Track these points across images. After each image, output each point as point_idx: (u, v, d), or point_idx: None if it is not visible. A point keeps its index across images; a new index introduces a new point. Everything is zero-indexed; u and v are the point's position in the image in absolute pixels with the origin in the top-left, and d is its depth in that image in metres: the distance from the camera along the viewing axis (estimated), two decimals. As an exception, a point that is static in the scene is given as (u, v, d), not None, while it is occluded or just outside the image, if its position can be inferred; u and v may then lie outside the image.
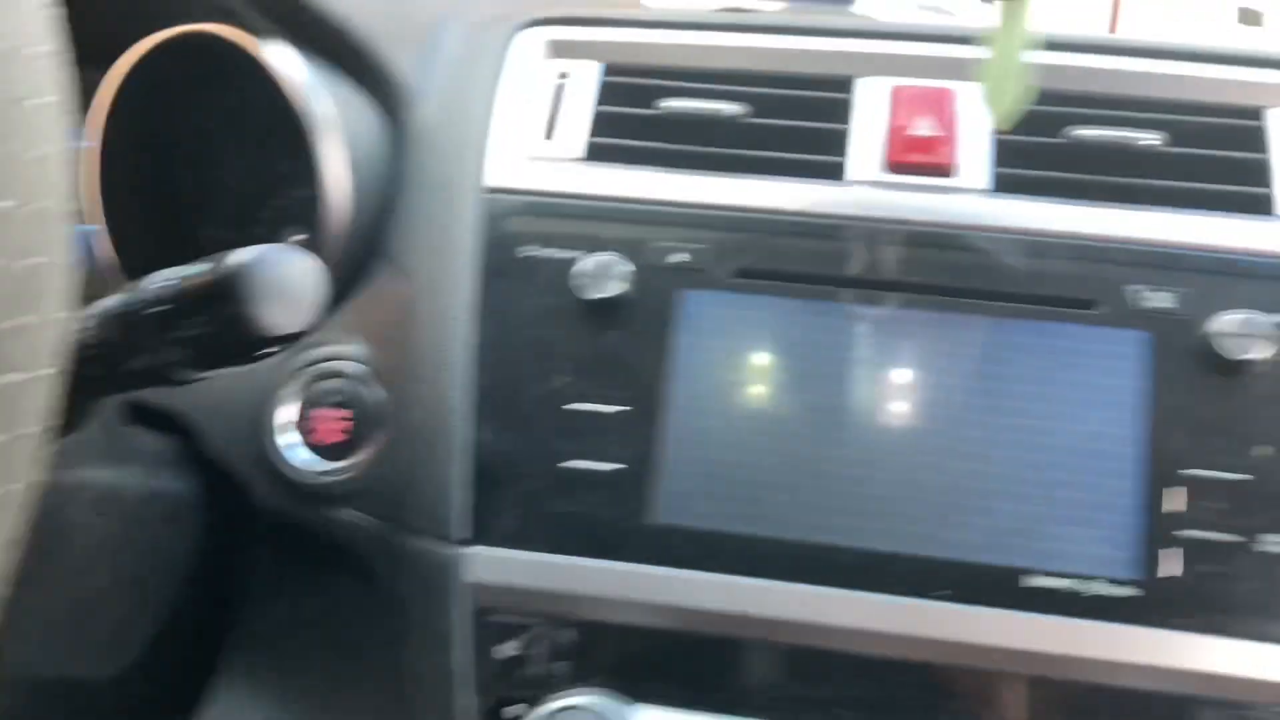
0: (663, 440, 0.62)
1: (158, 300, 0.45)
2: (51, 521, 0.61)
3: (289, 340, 0.45)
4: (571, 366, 0.64)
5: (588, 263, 0.64)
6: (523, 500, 0.63)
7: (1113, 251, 0.63)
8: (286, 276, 0.44)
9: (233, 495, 0.70)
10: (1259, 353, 0.59)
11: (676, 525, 0.61)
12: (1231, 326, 0.60)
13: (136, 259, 0.72)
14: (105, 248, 0.72)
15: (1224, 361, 0.60)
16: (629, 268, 0.64)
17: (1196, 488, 0.59)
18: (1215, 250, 0.63)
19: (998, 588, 0.59)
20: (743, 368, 0.63)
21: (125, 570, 0.66)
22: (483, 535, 0.63)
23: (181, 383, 0.49)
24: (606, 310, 0.64)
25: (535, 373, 0.64)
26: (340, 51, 0.69)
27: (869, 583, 0.60)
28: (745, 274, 0.64)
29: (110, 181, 0.71)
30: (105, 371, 0.47)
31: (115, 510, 0.64)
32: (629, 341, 0.64)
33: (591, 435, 0.63)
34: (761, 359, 0.63)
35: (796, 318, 0.63)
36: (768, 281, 0.64)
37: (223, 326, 0.44)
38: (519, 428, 0.64)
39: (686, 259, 0.64)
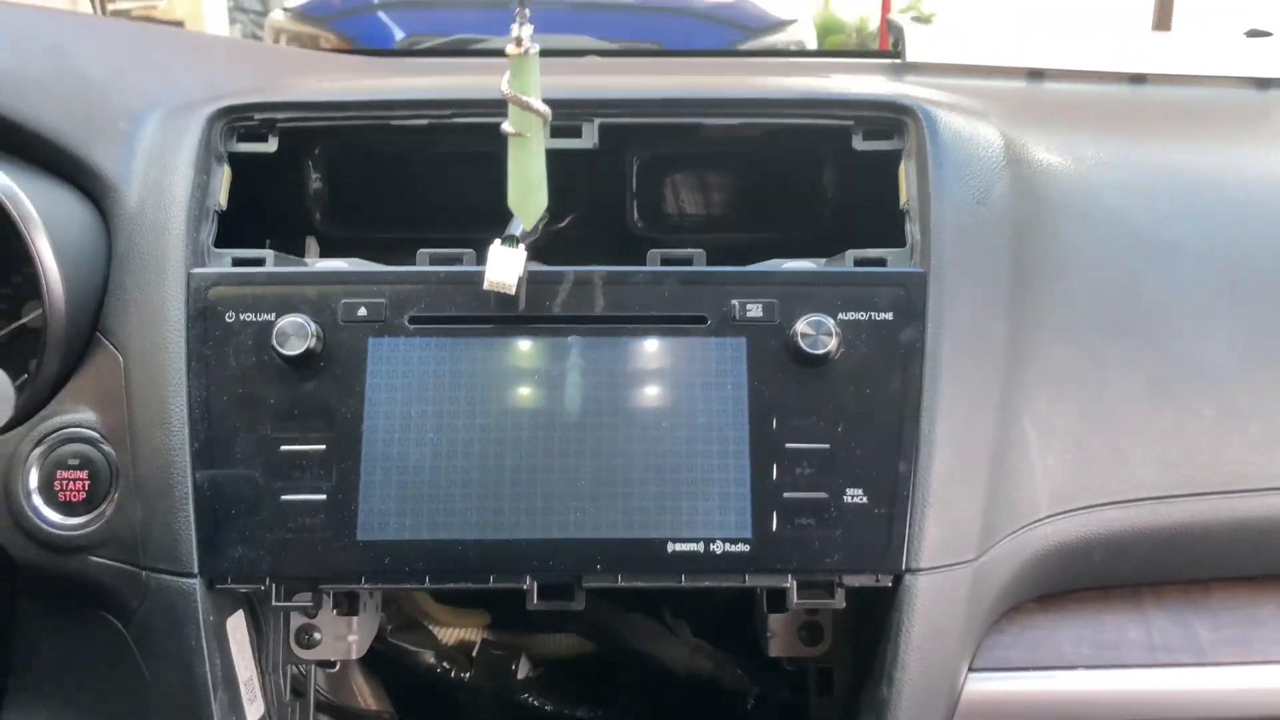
0: (361, 469, 0.74)
1: None
2: None
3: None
4: (279, 413, 0.75)
5: (284, 323, 0.75)
6: (245, 532, 0.73)
7: (716, 276, 0.77)
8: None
9: None
10: (827, 347, 0.75)
11: (378, 539, 0.73)
12: (807, 328, 0.75)
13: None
14: None
15: (804, 355, 0.75)
16: (317, 325, 0.75)
17: (791, 458, 0.74)
18: (794, 271, 0.78)
19: (646, 556, 0.73)
20: (425, 398, 0.75)
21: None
22: (210, 567, 0.73)
23: None
24: (305, 362, 0.75)
25: (248, 421, 0.75)
26: (41, 153, 0.77)
27: (542, 565, 0.73)
28: (418, 320, 0.76)
29: None
30: None
31: None
32: (327, 386, 0.75)
33: (302, 471, 0.74)
34: (440, 389, 0.75)
35: (465, 352, 0.76)
36: (439, 324, 0.76)
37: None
38: (237, 470, 0.74)
39: (366, 313, 0.76)
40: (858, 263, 0.80)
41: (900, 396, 0.75)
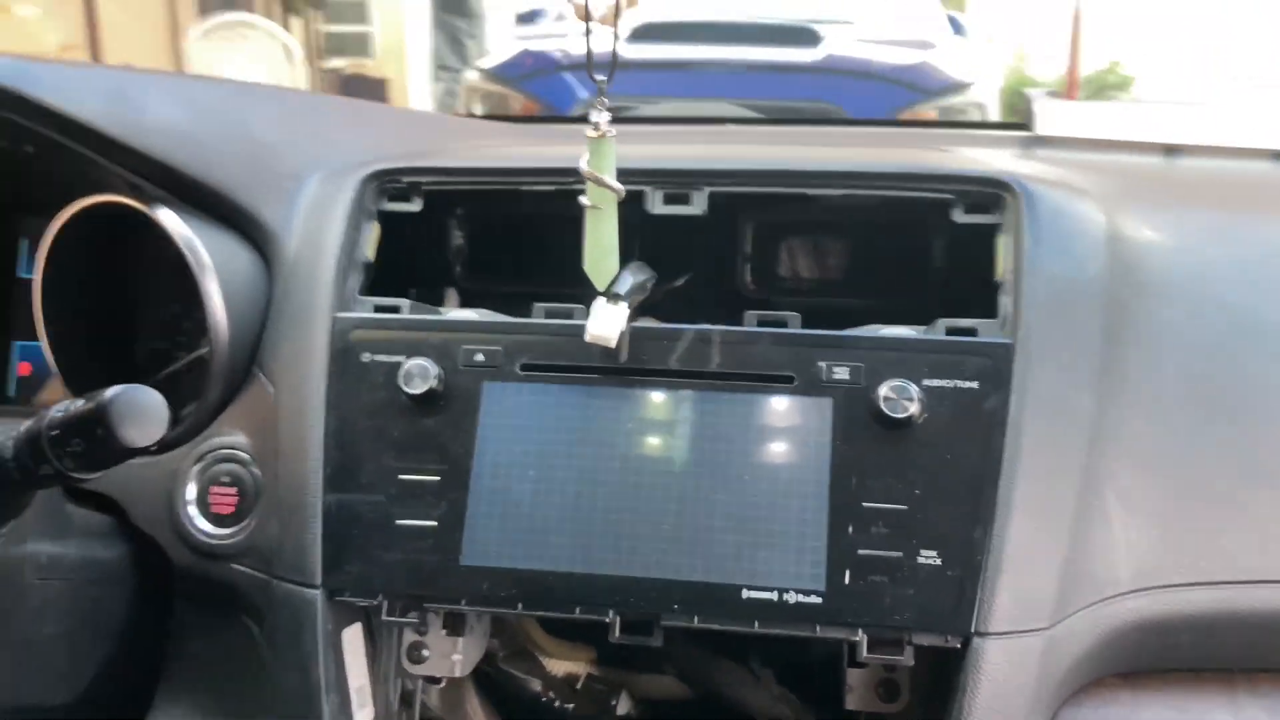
0: (469, 501, 0.81)
1: (51, 425, 0.64)
2: (5, 587, 0.80)
3: (145, 451, 0.65)
4: (401, 446, 0.83)
5: (409, 365, 0.83)
6: (364, 551, 0.82)
7: (806, 339, 0.82)
8: (140, 406, 0.64)
9: (154, 558, 0.90)
10: (909, 411, 0.78)
11: (479, 565, 0.80)
12: (890, 391, 0.78)
13: (78, 368, 0.93)
14: (50, 360, 0.92)
15: (886, 418, 0.78)
16: (439, 368, 0.83)
17: (868, 516, 0.77)
18: (881, 337, 0.82)
19: (722, 600, 0.78)
20: (530, 439, 0.82)
21: (70, 621, 0.85)
22: (332, 580, 0.82)
23: (79, 482, 0.68)
24: (426, 401, 0.83)
25: (373, 451, 0.83)
26: (219, 207, 0.89)
27: (624, 601, 0.79)
28: (529, 368, 0.83)
29: (52, 309, 0.91)
30: (23, 476, 0.67)
31: (57, 574, 0.83)
32: (445, 424, 0.83)
33: (416, 499, 0.82)
34: (544, 431, 0.82)
35: (568, 398, 0.82)
36: (546, 373, 0.83)
37: (96, 443, 0.64)
38: (361, 495, 0.83)
39: (483, 359, 0.84)
40: (950, 331, 0.83)
41: (980, 462, 0.77)
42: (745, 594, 0.78)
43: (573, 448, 0.82)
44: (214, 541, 0.87)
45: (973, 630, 0.75)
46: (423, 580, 0.81)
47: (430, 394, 0.83)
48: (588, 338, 0.80)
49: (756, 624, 0.78)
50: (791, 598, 0.77)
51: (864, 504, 0.78)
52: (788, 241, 1.06)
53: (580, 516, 0.80)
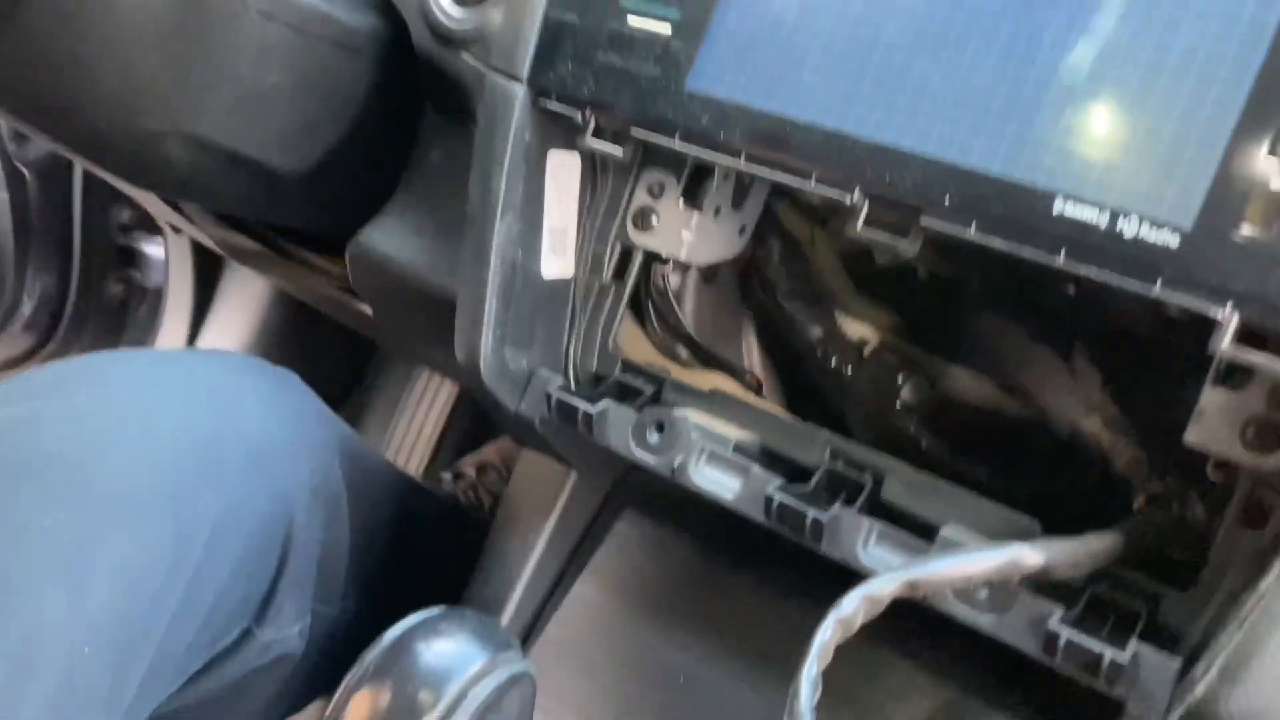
0: (718, 6, 0.59)
1: None
2: (220, 15, 0.71)
3: None
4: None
5: None
6: (581, 49, 0.63)
7: None
8: None
9: (402, 37, 0.78)
10: None
11: (705, 94, 0.59)
12: None
13: None
14: None
15: None
16: None
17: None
18: None
19: (1018, 208, 0.51)
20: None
21: (295, 77, 0.76)
22: (538, 77, 0.65)
23: None
24: None
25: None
26: None
27: (877, 178, 0.54)
28: None
29: None
30: None
31: (283, 18, 0.74)
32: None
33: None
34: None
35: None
36: None
37: None
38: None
39: None
40: None
41: None
42: (1058, 207, 0.50)
43: (872, -49, 0.55)
44: (451, 24, 0.73)
45: None
46: (637, 97, 0.61)
47: None
48: None
49: (1063, 256, 0.50)
50: (1130, 227, 0.48)
51: (1314, 108, 0.45)
52: None
53: (854, 49, 0.55)
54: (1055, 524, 0.58)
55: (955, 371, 0.84)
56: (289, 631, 0.75)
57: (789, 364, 0.94)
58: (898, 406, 0.88)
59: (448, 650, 0.62)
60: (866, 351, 0.91)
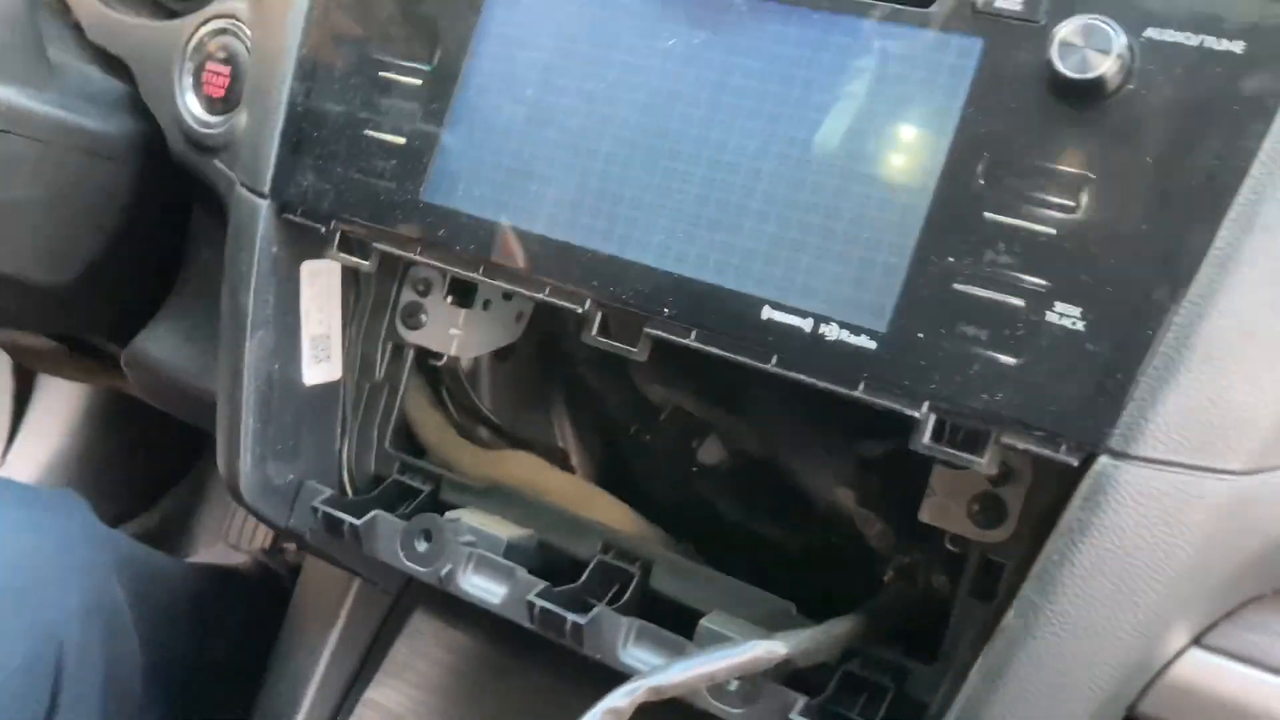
0: (448, 117, 0.59)
1: None
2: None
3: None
4: (387, 30, 0.62)
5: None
6: (321, 161, 0.63)
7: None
8: None
9: (162, 139, 0.76)
10: (1098, 70, 0.45)
11: (441, 205, 0.59)
12: (1074, 35, 0.46)
13: None
14: None
15: (1061, 79, 0.47)
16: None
17: (987, 233, 0.48)
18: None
19: (731, 315, 0.52)
20: (537, 45, 0.58)
21: (47, 188, 0.74)
22: (281, 191, 0.64)
23: None
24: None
25: (354, 31, 0.63)
26: None
27: (604, 289, 0.55)
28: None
29: None
30: None
31: (22, 128, 0.71)
32: (444, 6, 0.60)
33: (391, 104, 0.61)
34: (559, 39, 0.57)
35: (597, 8, 0.57)
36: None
37: None
38: (331, 86, 0.63)
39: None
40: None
41: (1201, 181, 0.45)
42: (766, 313, 0.51)
43: (589, 66, 0.57)
44: (202, 130, 0.72)
45: (1107, 444, 0.45)
46: (377, 210, 0.61)
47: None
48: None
49: (774, 361, 0.52)
50: (832, 332, 0.50)
51: (986, 214, 0.48)
52: None
53: (576, 161, 0.56)
54: (815, 598, 0.60)
55: (744, 431, 0.86)
56: None
57: (598, 433, 0.94)
58: (694, 469, 0.89)
59: None
60: (663, 416, 0.92)
